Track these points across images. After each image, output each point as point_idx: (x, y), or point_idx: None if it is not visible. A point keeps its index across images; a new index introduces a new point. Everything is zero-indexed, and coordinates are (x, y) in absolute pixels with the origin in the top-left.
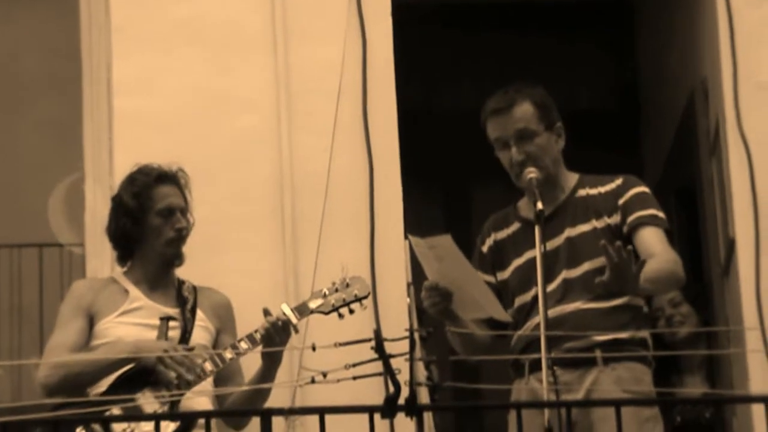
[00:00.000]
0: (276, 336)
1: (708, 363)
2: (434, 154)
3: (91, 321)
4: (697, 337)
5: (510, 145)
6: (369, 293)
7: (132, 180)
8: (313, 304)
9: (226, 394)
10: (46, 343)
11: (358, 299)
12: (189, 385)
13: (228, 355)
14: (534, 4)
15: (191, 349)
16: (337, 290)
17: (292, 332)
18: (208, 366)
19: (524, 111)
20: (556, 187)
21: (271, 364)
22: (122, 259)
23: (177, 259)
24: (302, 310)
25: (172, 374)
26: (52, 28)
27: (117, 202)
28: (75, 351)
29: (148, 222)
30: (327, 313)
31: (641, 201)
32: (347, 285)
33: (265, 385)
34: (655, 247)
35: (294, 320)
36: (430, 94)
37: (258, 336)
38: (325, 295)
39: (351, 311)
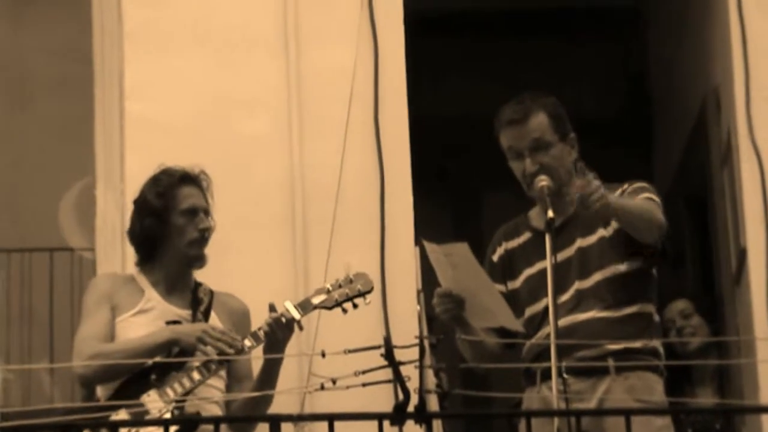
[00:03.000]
0: (279, 332)
1: (719, 375)
2: (445, 160)
3: (113, 313)
4: (708, 348)
5: (524, 155)
6: (372, 288)
7: (156, 180)
8: (316, 300)
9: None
10: (75, 336)
11: (362, 294)
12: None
13: (230, 351)
14: (544, 11)
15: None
16: (340, 286)
17: (297, 331)
18: (248, 342)
19: (539, 122)
20: (567, 197)
21: (273, 362)
22: (143, 261)
23: (198, 260)
24: (305, 306)
25: (211, 350)
26: (64, 31)
27: (141, 202)
28: (105, 341)
29: (172, 221)
30: (330, 308)
31: (641, 190)
32: (351, 281)
33: (275, 392)
34: None
35: (297, 317)
36: (441, 99)
37: (261, 333)
38: (328, 291)
39: (355, 306)
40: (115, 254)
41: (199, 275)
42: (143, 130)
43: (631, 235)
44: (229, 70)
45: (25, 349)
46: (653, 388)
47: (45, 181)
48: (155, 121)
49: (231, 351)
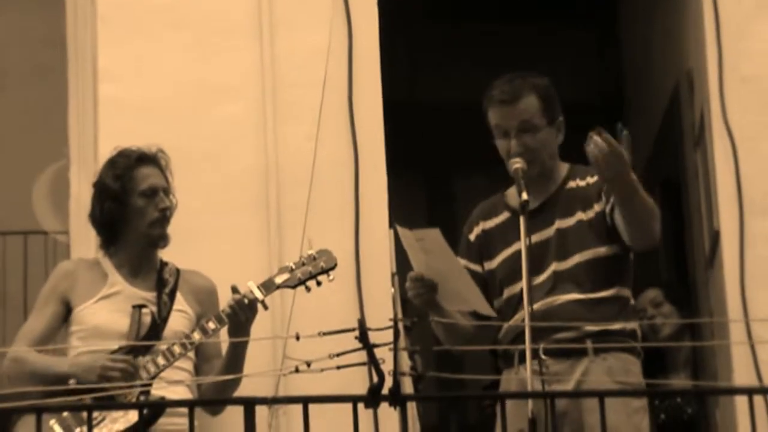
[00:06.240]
0: (241, 313)
1: (693, 361)
2: (418, 144)
3: (67, 305)
4: (681, 335)
5: (510, 135)
6: (335, 264)
7: (113, 163)
8: (279, 279)
9: (202, 376)
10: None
11: (325, 271)
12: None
13: (196, 336)
14: None
15: (149, 337)
16: (303, 264)
17: (270, 312)
18: (177, 348)
19: (530, 104)
20: (548, 179)
21: (239, 343)
22: (106, 245)
23: (162, 240)
24: (268, 286)
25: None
26: (37, 16)
27: (100, 186)
28: (44, 339)
29: (132, 203)
30: (294, 287)
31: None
32: (314, 258)
33: (248, 375)
34: None
35: (260, 297)
36: (415, 83)
37: (224, 315)
38: (291, 270)
39: (318, 283)
40: (89, 237)
41: (173, 260)
42: (117, 114)
43: (624, 227)
44: (202, 54)
45: None
46: (630, 370)
47: (19, 165)
48: (129, 105)
49: (134, 379)
